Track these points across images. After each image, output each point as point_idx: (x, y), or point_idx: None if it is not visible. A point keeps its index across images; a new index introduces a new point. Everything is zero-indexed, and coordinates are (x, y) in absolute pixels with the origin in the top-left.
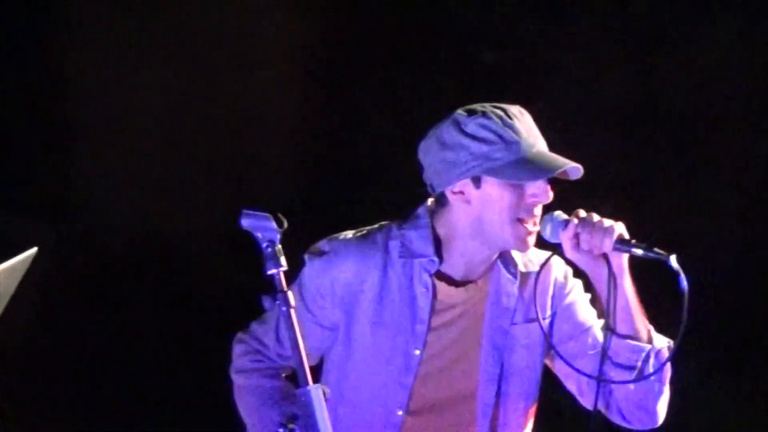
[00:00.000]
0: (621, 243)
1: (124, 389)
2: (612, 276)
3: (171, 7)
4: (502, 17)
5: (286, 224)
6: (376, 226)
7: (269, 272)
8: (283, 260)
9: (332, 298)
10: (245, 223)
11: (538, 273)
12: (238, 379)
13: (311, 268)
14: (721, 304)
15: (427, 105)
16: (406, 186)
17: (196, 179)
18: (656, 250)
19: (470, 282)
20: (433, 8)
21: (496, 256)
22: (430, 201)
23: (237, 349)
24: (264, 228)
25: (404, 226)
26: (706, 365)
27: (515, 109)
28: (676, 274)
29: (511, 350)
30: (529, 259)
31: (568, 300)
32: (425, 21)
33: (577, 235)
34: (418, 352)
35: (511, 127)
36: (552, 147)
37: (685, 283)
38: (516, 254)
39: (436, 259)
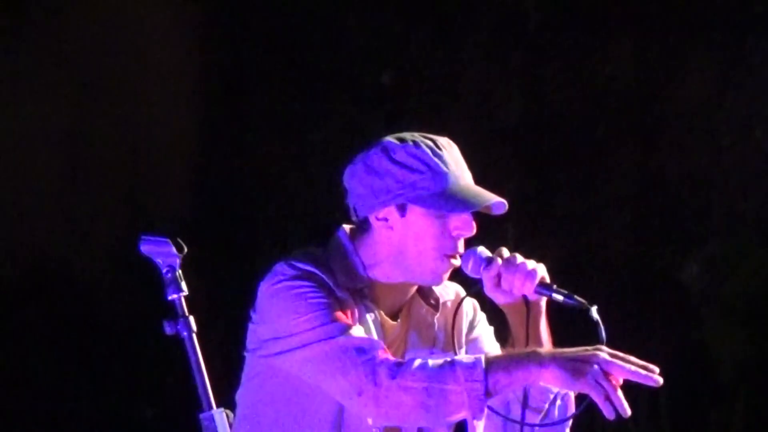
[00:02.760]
0: (542, 287)
1: (15, 414)
2: (530, 318)
3: (67, 31)
4: (395, 39)
5: (185, 249)
6: (300, 255)
7: (170, 297)
8: (183, 285)
9: None
10: (144, 248)
11: (457, 308)
12: None
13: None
14: (616, 315)
15: (323, 127)
16: (301, 206)
17: (89, 203)
18: (576, 297)
19: (397, 312)
20: (330, 31)
21: (414, 288)
22: (347, 227)
23: None
24: (164, 253)
25: (327, 254)
26: None
27: (444, 141)
28: (595, 324)
29: None
30: (443, 287)
31: (475, 333)
32: (322, 43)
33: (499, 275)
34: None
35: (440, 158)
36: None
37: (603, 335)
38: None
39: (369, 285)
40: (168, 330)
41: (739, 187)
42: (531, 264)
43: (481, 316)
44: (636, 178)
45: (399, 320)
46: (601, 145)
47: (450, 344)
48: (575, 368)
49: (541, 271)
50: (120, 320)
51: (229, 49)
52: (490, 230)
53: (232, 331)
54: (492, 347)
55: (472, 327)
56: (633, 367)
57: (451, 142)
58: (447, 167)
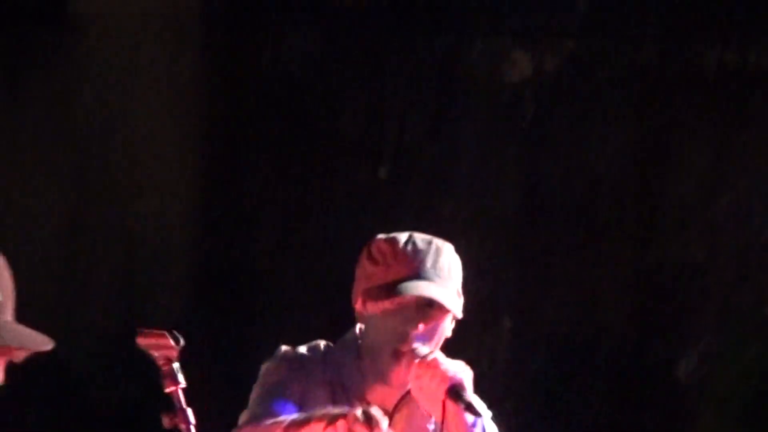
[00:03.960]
0: (452, 393)
1: None
2: (446, 420)
3: (66, 111)
4: (389, 131)
5: (183, 342)
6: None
7: (168, 390)
8: (181, 377)
9: None
10: (141, 342)
11: (396, 407)
12: None
13: None
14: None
15: (317, 220)
16: (299, 296)
17: (83, 292)
18: (476, 409)
19: (393, 412)
20: (324, 123)
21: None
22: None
23: None
24: (160, 346)
25: (333, 348)
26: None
27: (426, 240)
28: None
29: None
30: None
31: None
32: (316, 137)
33: (419, 376)
34: None
35: (401, 253)
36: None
37: None
38: None
39: (362, 380)
40: (166, 423)
41: (736, 280)
42: (450, 369)
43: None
44: (632, 269)
45: (393, 423)
46: (597, 236)
47: None
48: (333, 421)
49: (460, 377)
50: (113, 411)
51: (226, 134)
52: (486, 322)
53: (227, 421)
54: None
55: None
56: None
57: (444, 245)
58: (403, 262)
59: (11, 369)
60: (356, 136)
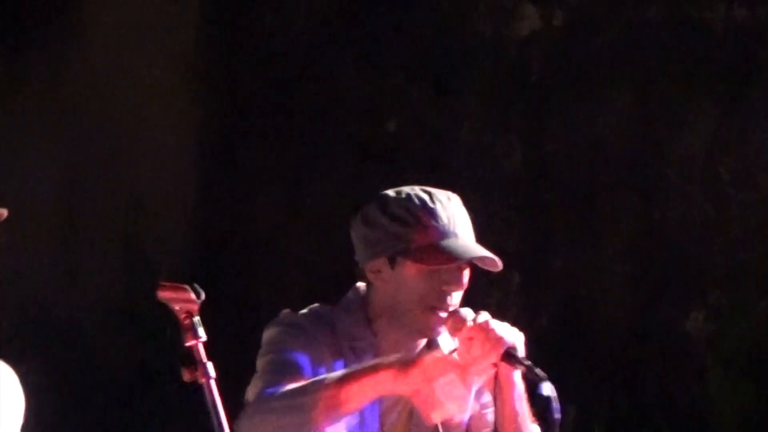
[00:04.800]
0: (508, 357)
1: None
2: (497, 386)
3: (66, 82)
4: (395, 92)
5: (203, 295)
6: (306, 310)
7: (188, 344)
8: (201, 331)
9: None
10: (162, 295)
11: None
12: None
13: None
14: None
15: (322, 178)
16: (301, 259)
17: (86, 253)
18: (537, 372)
19: None
20: (329, 84)
21: (422, 343)
22: (362, 284)
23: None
24: (180, 300)
25: (335, 311)
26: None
27: (442, 195)
28: (547, 400)
29: None
30: (454, 342)
31: (486, 398)
32: (321, 95)
33: (470, 339)
34: None
35: (432, 212)
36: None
37: (557, 413)
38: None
39: (375, 340)
40: (186, 376)
41: (741, 238)
42: (503, 331)
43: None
44: (637, 228)
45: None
46: (601, 195)
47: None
48: (405, 369)
49: (512, 340)
50: (118, 370)
51: (227, 101)
52: (496, 280)
53: (227, 386)
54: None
55: (480, 392)
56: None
57: (452, 196)
58: (437, 221)
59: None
60: (359, 95)
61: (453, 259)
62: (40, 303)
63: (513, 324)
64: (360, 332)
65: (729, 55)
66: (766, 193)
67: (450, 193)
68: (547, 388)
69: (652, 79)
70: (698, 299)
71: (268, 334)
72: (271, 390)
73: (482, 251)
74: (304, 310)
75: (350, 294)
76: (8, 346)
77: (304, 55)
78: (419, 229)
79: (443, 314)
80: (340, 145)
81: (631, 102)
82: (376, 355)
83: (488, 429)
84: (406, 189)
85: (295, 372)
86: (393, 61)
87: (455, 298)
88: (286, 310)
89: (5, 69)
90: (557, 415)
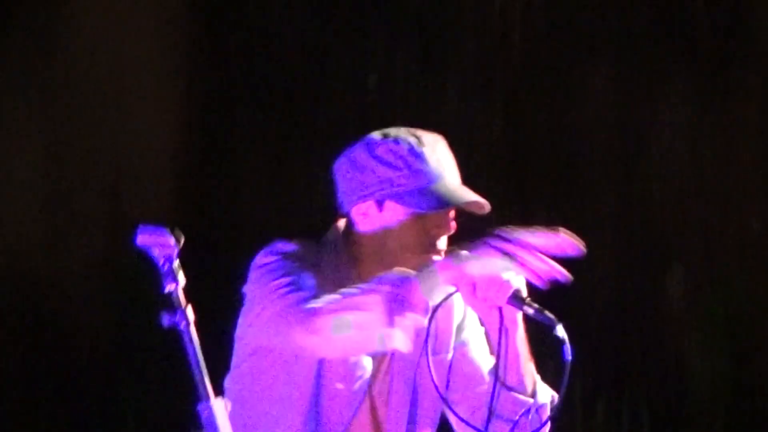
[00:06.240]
0: (515, 299)
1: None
2: (503, 328)
3: (50, 45)
4: (378, 59)
5: (183, 239)
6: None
7: (167, 289)
8: (181, 276)
9: None
10: (141, 239)
11: (437, 306)
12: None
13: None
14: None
15: (307, 131)
16: (288, 206)
17: (71, 209)
18: (547, 314)
19: None
20: (314, 48)
21: None
22: (341, 222)
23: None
24: (160, 244)
25: (318, 248)
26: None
27: (430, 137)
28: (561, 342)
29: (421, 382)
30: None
31: (463, 336)
32: (306, 56)
33: (474, 283)
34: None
35: (419, 155)
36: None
37: (569, 355)
38: None
39: (361, 282)
40: (166, 321)
41: (719, 207)
42: (507, 275)
43: (471, 320)
44: (617, 198)
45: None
46: (582, 165)
47: (440, 348)
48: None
49: (516, 284)
50: (101, 324)
51: (212, 60)
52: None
53: (214, 329)
54: (480, 351)
55: (460, 330)
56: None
57: (438, 138)
58: (426, 165)
59: None
60: (342, 69)
61: (444, 204)
62: (22, 258)
63: None
64: (343, 273)
65: (710, 34)
66: (744, 165)
67: (436, 135)
68: (561, 330)
69: (633, 54)
70: (676, 267)
71: (263, 262)
72: (315, 303)
73: (471, 195)
74: (297, 241)
75: (332, 232)
76: None
77: (293, 35)
78: (408, 173)
79: (437, 257)
80: (324, 101)
81: (613, 75)
82: None
83: (474, 366)
84: (393, 131)
85: (311, 287)
86: (376, 36)
87: (443, 241)
88: (281, 240)
89: None
90: (569, 357)
